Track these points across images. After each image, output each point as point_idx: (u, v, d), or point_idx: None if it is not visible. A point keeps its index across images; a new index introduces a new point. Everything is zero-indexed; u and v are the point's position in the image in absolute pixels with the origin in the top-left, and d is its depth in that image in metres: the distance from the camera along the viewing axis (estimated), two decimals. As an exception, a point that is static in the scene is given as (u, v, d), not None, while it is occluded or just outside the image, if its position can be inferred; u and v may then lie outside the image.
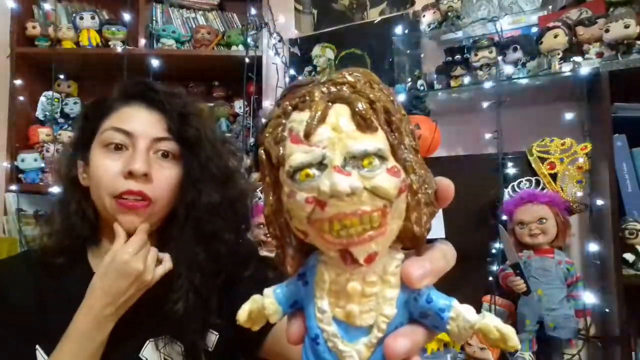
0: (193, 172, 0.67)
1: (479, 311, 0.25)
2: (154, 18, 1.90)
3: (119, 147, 0.65)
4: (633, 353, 1.17)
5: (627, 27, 1.19)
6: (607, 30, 1.23)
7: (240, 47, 1.82)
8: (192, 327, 0.65)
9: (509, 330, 0.24)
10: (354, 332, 0.25)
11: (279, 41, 1.86)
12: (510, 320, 1.29)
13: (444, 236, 1.39)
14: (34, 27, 1.78)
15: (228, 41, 1.85)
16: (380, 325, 0.24)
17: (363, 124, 0.23)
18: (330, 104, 0.24)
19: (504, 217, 1.32)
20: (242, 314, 0.28)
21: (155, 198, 0.65)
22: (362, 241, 0.23)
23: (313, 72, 1.87)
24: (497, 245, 1.34)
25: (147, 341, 0.66)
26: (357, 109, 0.23)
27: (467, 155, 1.57)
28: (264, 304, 0.27)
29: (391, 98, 0.25)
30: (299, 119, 0.24)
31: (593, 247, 1.27)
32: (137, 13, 1.82)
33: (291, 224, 0.25)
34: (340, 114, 0.23)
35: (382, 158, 0.23)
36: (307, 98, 0.24)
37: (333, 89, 0.24)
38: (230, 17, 1.99)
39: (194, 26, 1.92)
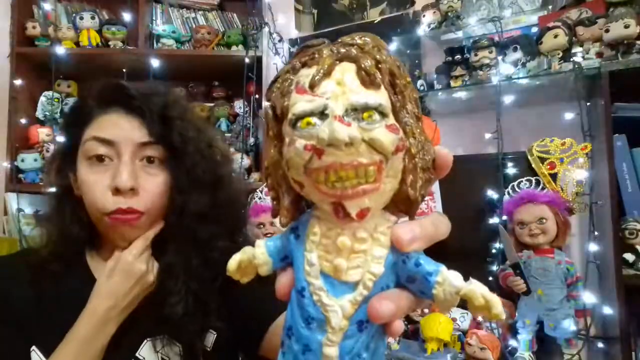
0: (179, 178, 0.65)
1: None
2: (154, 18, 1.91)
3: (102, 159, 0.64)
4: (633, 353, 1.17)
5: (627, 27, 1.19)
6: (607, 30, 1.22)
7: (240, 47, 1.82)
8: (191, 328, 0.64)
9: (495, 299, 0.24)
10: (340, 287, 0.25)
11: (279, 41, 1.86)
12: (510, 321, 1.29)
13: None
14: (34, 27, 1.78)
15: (228, 41, 1.85)
16: (367, 282, 0.24)
17: (367, 79, 0.24)
18: (337, 62, 0.24)
19: (504, 217, 1.32)
20: (232, 263, 0.29)
21: (146, 209, 0.64)
22: (355, 194, 0.23)
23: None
24: (497, 245, 1.34)
25: (145, 341, 0.66)
26: (362, 66, 0.24)
27: (467, 155, 1.57)
28: (255, 253, 0.28)
29: (397, 64, 0.26)
30: (306, 74, 0.25)
31: (593, 247, 1.27)
32: (137, 13, 1.82)
33: (289, 175, 0.25)
34: (345, 70, 0.24)
35: (382, 114, 0.23)
36: (316, 56, 0.25)
37: (342, 49, 0.25)
38: (230, 17, 1.99)
39: (194, 26, 1.92)
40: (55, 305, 0.65)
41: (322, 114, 0.23)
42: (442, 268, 0.25)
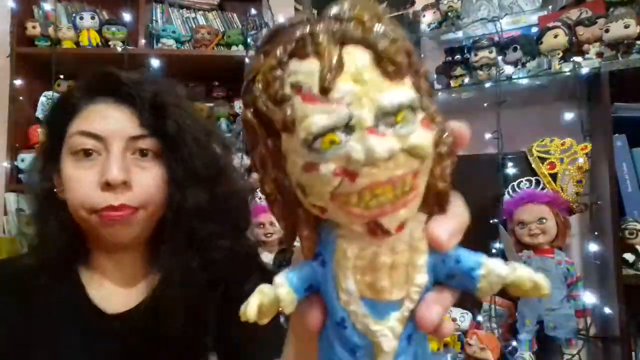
0: (176, 171, 0.59)
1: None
2: (154, 18, 1.90)
3: (89, 153, 0.57)
4: (633, 353, 1.17)
5: (627, 27, 1.19)
6: (607, 30, 1.22)
7: (240, 47, 1.82)
8: (191, 353, 0.58)
9: (541, 278, 0.22)
10: (383, 308, 0.22)
11: (279, 41, 1.86)
12: (510, 321, 1.29)
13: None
14: (34, 27, 1.78)
15: (228, 41, 1.85)
16: (413, 296, 0.22)
17: (391, 69, 0.19)
18: (339, 46, 0.19)
19: (504, 217, 1.32)
20: (251, 310, 0.24)
21: (141, 205, 0.57)
22: (395, 209, 0.20)
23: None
24: (497, 245, 1.34)
25: None
26: (381, 50, 0.19)
27: (467, 155, 1.57)
28: (279, 294, 0.24)
29: (404, 35, 0.21)
30: (305, 70, 0.19)
31: (593, 247, 1.27)
32: (137, 13, 1.82)
33: (305, 201, 0.21)
34: (357, 58, 0.19)
35: (413, 110, 0.19)
36: (309, 40, 0.19)
37: (338, 26, 0.19)
38: (230, 17, 1.99)
39: (194, 26, 1.92)
40: (46, 321, 0.59)
41: (347, 126, 0.19)
42: (484, 259, 0.23)
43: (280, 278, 0.24)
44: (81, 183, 0.56)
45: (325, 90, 0.19)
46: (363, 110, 0.18)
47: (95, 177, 0.56)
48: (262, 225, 1.36)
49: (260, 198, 1.42)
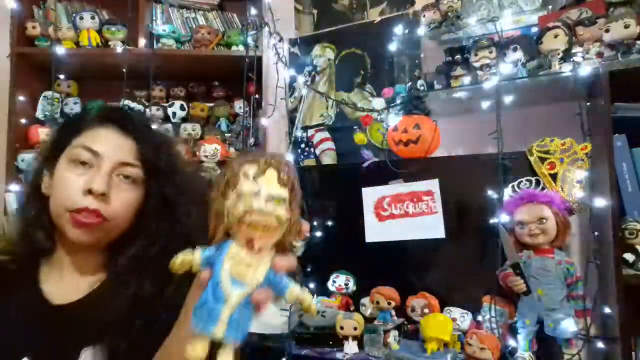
0: (151, 199, 0.71)
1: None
2: (154, 18, 1.91)
3: (84, 164, 0.68)
4: (633, 353, 1.17)
5: (627, 27, 1.19)
6: (607, 30, 1.22)
7: (240, 47, 1.83)
8: (131, 334, 0.64)
9: (310, 297, 0.45)
10: (238, 284, 0.43)
11: (279, 41, 1.86)
12: (510, 321, 1.29)
13: (443, 236, 1.39)
14: (34, 27, 1.79)
15: (228, 41, 1.86)
16: (253, 284, 0.43)
17: (282, 182, 0.44)
18: (268, 167, 0.44)
19: (504, 217, 1.32)
20: (177, 260, 0.45)
21: (110, 217, 0.67)
22: (261, 238, 0.43)
23: (313, 72, 1.88)
24: (497, 245, 1.34)
25: (83, 350, 0.65)
26: (280, 175, 0.44)
27: (467, 155, 1.57)
28: (194, 256, 0.45)
29: (295, 175, 0.46)
30: (251, 170, 0.44)
31: (593, 247, 1.27)
32: (137, 13, 1.83)
33: (226, 219, 0.44)
34: (271, 174, 0.44)
35: (284, 202, 0.43)
36: (255, 162, 0.44)
37: (271, 161, 0.44)
38: (230, 17, 1.99)
39: (194, 26, 1.92)
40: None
41: (256, 194, 0.42)
42: (292, 284, 0.45)
43: (198, 249, 0.45)
44: (69, 184, 0.67)
45: (254, 178, 0.43)
46: (265, 191, 0.42)
47: (82, 184, 0.66)
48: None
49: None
